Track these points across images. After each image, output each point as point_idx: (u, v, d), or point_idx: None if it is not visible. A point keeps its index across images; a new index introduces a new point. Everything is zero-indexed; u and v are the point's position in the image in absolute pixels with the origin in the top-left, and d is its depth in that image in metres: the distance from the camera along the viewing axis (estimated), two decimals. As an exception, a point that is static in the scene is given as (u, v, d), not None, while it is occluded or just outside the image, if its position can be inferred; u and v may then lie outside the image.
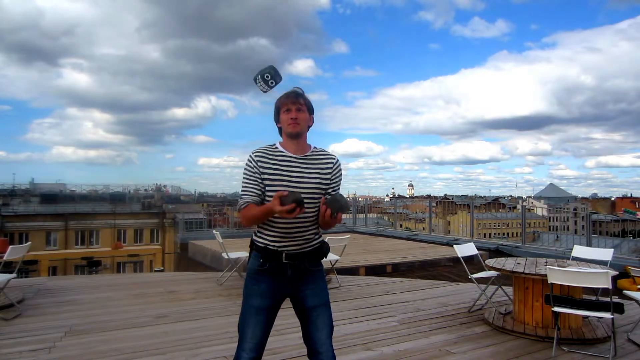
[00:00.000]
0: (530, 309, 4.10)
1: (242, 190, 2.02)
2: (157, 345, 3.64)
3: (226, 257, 6.29)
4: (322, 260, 2.14)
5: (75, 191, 42.65)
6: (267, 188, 2.00)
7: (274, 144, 2.08)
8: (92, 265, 23.79)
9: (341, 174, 2.14)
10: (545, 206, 19.67)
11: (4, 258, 4.66)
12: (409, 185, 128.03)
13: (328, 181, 2.07)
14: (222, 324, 4.21)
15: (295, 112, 2.02)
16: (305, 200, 1.97)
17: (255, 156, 2.02)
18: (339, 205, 1.87)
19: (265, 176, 1.99)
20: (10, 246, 4.74)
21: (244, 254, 6.32)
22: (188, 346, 3.62)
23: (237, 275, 6.40)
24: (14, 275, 4.90)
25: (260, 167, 2.00)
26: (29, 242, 6.63)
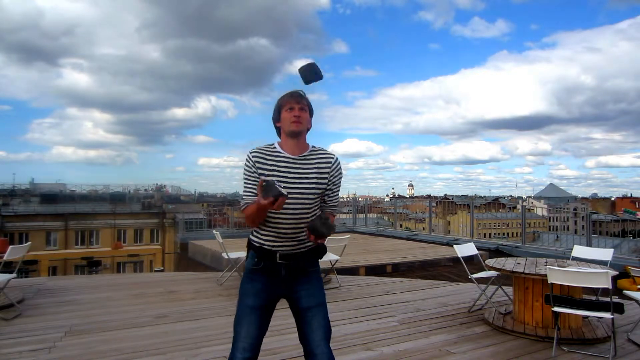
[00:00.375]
0: (530, 309, 4.10)
1: (243, 191, 2.01)
2: (157, 345, 3.64)
3: (226, 257, 6.29)
4: (320, 261, 2.14)
5: (75, 191, 42.66)
6: None
7: (273, 144, 2.06)
8: (92, 265, 23.80)
9: (341, 174, 2.11)
10: (545, 206, 19.66)
11: (4, 258, 4.66)
12: (409, 185, 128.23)
13: (326, 181, 2.05)
14: (222, 324, 4.21)
15: (298, 110, 2.00)
16: (303, 201, 1.97)
17: (253, 156, 2.01)
18: (320, 232, 1.87)
19: (261, 176, 1.97)
20: (10, 246, 4.74)
21: (243, 254, 6.25)
22: (188, 346, 3.62)
23: (237, 275, 6.39)
24: (14, 275, 4.90)
25: (258, 167, 1.99)
26: (29, 242, 6.62)
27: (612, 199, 66.92)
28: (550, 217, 20.54)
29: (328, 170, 2.06)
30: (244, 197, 2.01)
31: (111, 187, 43.55)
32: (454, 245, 5.13)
